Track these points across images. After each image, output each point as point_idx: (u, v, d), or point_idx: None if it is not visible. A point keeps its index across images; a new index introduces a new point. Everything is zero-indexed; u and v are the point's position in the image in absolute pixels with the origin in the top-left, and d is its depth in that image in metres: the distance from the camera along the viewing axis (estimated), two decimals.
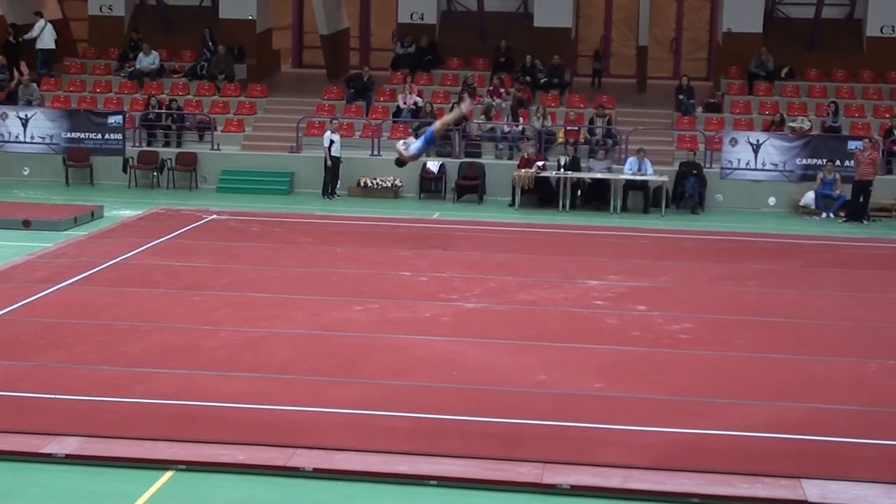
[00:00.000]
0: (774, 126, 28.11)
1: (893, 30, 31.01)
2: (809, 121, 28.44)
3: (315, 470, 10.05)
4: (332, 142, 26.76)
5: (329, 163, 26.73)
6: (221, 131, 29.27)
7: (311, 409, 11.47)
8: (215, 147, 28.74)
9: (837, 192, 26.07)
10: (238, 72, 31.85)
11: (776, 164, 27.21)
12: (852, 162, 26.18)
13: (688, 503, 9.67)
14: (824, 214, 26.01)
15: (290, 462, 10.15)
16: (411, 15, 32.62)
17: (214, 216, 23.13)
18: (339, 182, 27.15)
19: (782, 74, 30.82)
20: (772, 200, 27.17)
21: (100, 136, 28.43)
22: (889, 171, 27.27)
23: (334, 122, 27.47)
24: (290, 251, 19.92)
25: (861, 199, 25.73)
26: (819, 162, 26.68)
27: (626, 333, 14.92)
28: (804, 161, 27.05)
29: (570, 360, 13.57)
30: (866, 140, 26.46)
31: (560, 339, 14.51)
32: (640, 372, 13.22)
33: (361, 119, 29.57)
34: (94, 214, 23.04)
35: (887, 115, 29.02)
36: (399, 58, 32.27)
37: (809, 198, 26.38)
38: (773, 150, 27.19)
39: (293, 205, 25.86)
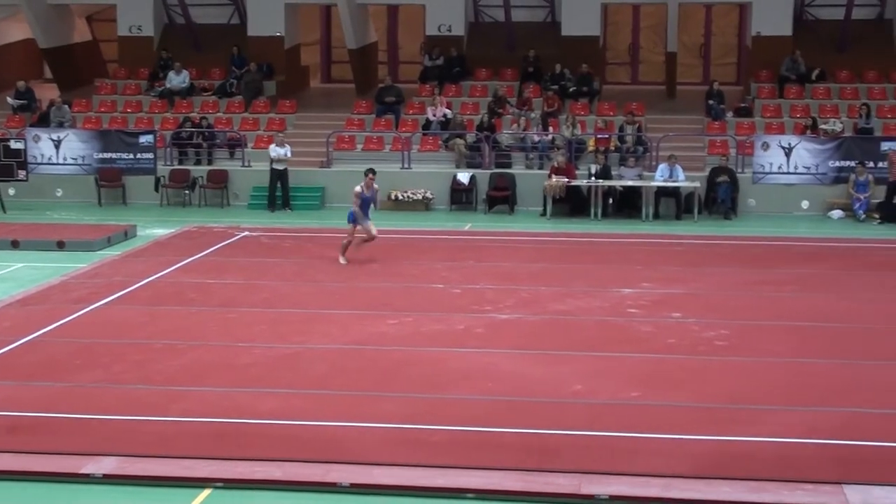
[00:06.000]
0: (808, 129, 27.93)
1: None
2: (841, 123, 28.24)
3: (352, 485, 10.02)
4: (278, 153, 27.00)
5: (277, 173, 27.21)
6: (252, 148, 29.34)
7: (347, 423, 11.44)
8: (246, 164, 28.83)
9: (868, 193, 25.86)
10: (267, 88, 31.95)
11: (808, 168, 27.00)
12: (885, 163, 25.97)
13: None
14: (860, 212, 25.82)
15: (327, 477, 10.12)
16: (439, 27, 32.63)
17: (246, 233, 23.19)
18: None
19: (813, 77, 30.62)
20: (805, 204, 26.98)
21: (131, 155, 28.54)
22: None
23: (279, 135, 27.93)
24: (323, 266, 19.92)
25: (895, 201, 25.53)
26: (852, 164, 26.46)
27: (662, 341, 14.82)
28: (837, 163, 26.84)
29: (605, 370, 13.50)
30: None
31: (595, 349, 14.44)
32: (677, 380, 13.12)
33: (391, 132, 29.59)
34: (127, 234, 23.16)
35: None
36: (427, 70, 32.30)
37: (837, 214, 26.27)
38: (806, 153, 26.99)
39: (325, 220, 25.89)
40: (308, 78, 35.82)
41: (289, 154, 27.19)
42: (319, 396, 12.39)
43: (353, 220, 20.02)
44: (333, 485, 10.04)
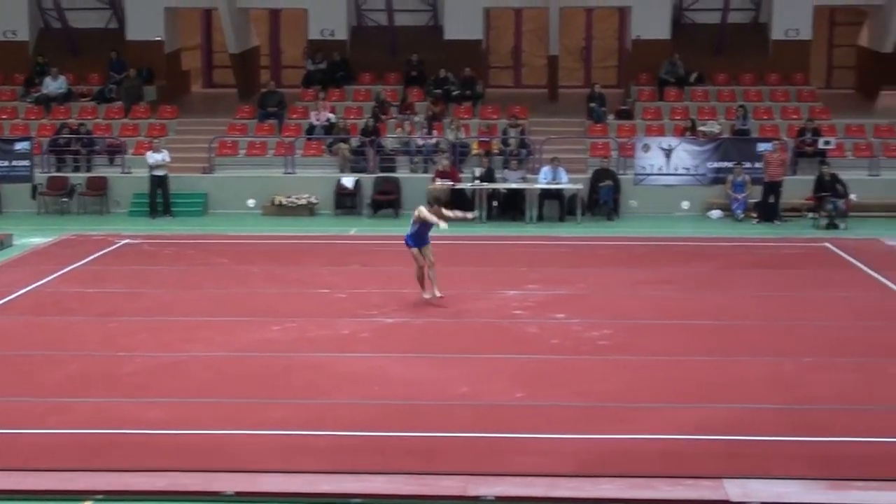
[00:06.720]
0: (687, 131, 28.42)
1: (798, 32, 31.51)
2: (719, 124, 28.78)
3: (237, 493, 9.92)
4: (156, 159, 26.82)
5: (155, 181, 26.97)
6: (132, 154, 28.87)
7: (231, 431, 11.33)
8: (126, 170, 28.37)
9: (745, 194, 26.39)
10: (147, 93, 31.50)
11: (688, 169, 27.50)
12: (762, 163, 26.55)
13: None
14: (738, 211, 26.34)
15: (211, 486, 10.00)
16: (321, 31, 32.47)
17: (127, 240, 22.82)
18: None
19: (691, 79, 31.17)
20: (685, 204, 27.42)
21: (7, 163, 27.95)
22: (796, 172, 27.55)
23: (156, 141, 27.80)
24: (206, 273, 19.71)
25: (772, 200, 26.10)
26: (730, 165, 26.99)
27: (546, 342, 14.95)
28: (715, 164, 27.36)
29: (491, 371, 13.56)
30: (776, 142, 26.97)
31: (480, 351, 14.50)
32: (561, 380, 13.25)
33: (274, 137, 29.38)
34: (2, 243, 22.62)
35: (794, 117, 29.51)
36: (310, 74, 32.11)
37: (716, 214, 26.77)
38: (685, 155, 27.48)
39: (207, 226, 25.61)
40: (189, 83, 35.40)
41: (166, 159, 26.85)
42: (204, 404, 12.25)
43: (413, 243, 17.31)
44: (218, 493, 9.92)
